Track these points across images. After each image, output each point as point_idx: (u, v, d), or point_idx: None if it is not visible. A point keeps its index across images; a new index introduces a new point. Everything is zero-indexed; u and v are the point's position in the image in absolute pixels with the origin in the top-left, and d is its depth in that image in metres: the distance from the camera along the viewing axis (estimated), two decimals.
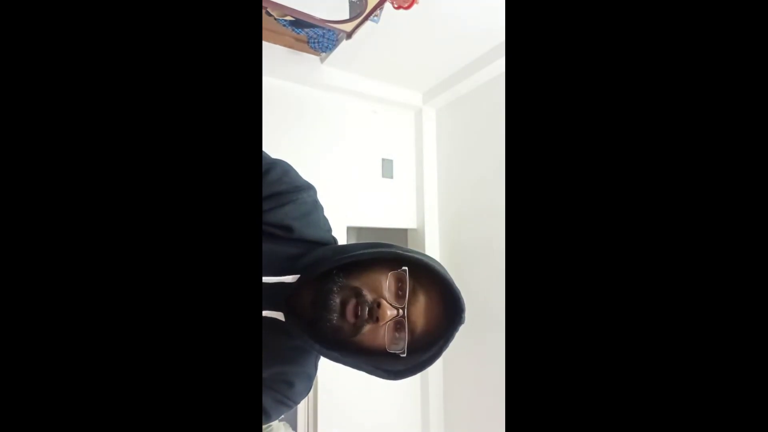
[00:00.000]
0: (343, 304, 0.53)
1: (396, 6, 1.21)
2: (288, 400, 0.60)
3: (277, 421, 1.37)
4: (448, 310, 0.55)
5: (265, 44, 1.87)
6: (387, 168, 2.33)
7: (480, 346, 1.97)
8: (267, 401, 0.58)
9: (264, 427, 1.31)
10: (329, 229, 0.64)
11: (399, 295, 0.53)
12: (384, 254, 0.56)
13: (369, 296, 0.53)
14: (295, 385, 0.60)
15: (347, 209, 2.16)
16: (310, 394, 2.03)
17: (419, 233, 2.36)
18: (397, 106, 2.35)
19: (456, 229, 2.25)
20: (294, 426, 1.94)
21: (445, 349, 0.54)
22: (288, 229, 0.57)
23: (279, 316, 0.56)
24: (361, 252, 0.55)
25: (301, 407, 1.97)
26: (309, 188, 0.60)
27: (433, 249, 2.31)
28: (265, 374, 0.57)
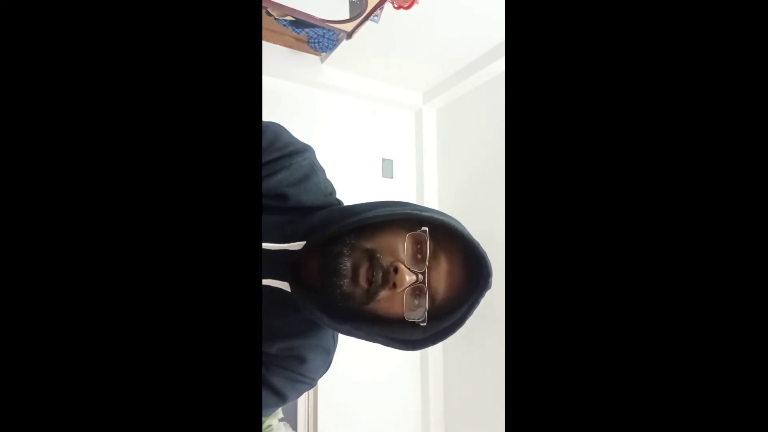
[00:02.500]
0: (355, 269, 0.47)
1: (396, 6, 1.21)
2: (302, 377, 0.54)
3: (276, 421, 1.36)
4: (472, 273, 0.50)
5: (265, 44, 1.87)
6: (387, 168, 2.33)
7: (480, 347, 1.97)
8: (277, 380, 0.52)
9: (264, 427, 1.31)
10: (331, 192, 0.58)
11: (418, 259, 0.48)
12: (400, 215, 0.50)
13: (384, 260, 0.48)
14: (308, 360, 0.54)
15: None
16: (310, 393, 2.03)
17: None
18: (397, 106, 2.35)
19: None
20: (294, 426, 1.94)
21: (468, 317, 0.49)
22: (283, 197, 0.52)
23: (284, 286, 0.51)
24: (374, 214, 0.49)
25: (301, 407, 1.97)
26: (304, 150, 0.54)
27: None
28: (270, 350, 0.52)
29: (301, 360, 0.53)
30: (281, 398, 0.53)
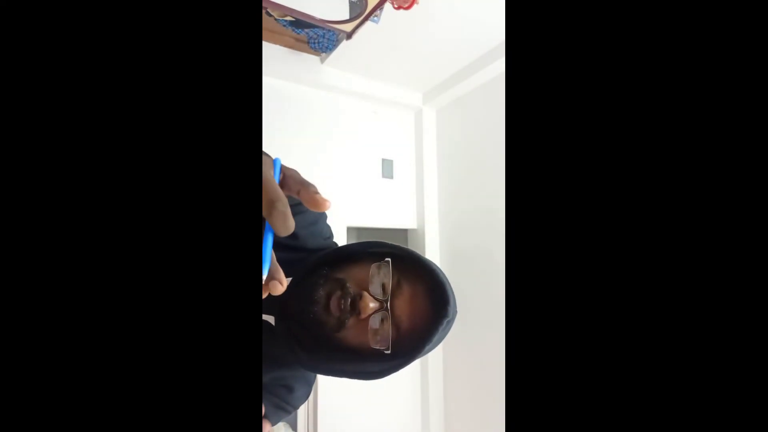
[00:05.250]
0: (328, 297, 0.51)
1: (396, 6, 1.22)
2: (288, 405, 0.58)
3: None
4: (434, 303, 0.52)
5: (265, 44, 1.87)
6: (387, 168, 2.33)
7: (480, 346, 1.97)
8: (267, 406, 0.57)
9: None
10: (329, 236, 0.64)
11: (382, 288, 0.51)
12: (369, 245, 0.55)
13: (352, 288, 0.51)
14: (295, 389, 0.58)
15: (347, 209, 2.16)
16: (310, 394, 2.03)
17: (419, 233, 2.36)
18: (397, 106, 2.35)
19: (456, 229, 2.25)
20: (294, 426, 1.94)
21: (428, 345, 0.51)
22: (294, 236, 0.58)
23: (270, 319, 0.56)
24: (344, 246, 0.56)
25: (301, 408, 1.97)
26: None
27: (433, 249, 2.31)
28: (264, 379, 0.56)
29: (289, 389, 0.58)
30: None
